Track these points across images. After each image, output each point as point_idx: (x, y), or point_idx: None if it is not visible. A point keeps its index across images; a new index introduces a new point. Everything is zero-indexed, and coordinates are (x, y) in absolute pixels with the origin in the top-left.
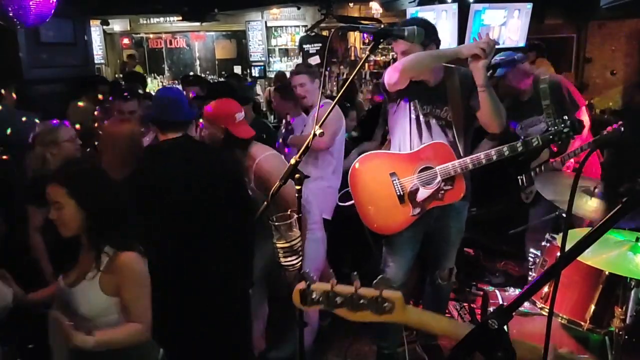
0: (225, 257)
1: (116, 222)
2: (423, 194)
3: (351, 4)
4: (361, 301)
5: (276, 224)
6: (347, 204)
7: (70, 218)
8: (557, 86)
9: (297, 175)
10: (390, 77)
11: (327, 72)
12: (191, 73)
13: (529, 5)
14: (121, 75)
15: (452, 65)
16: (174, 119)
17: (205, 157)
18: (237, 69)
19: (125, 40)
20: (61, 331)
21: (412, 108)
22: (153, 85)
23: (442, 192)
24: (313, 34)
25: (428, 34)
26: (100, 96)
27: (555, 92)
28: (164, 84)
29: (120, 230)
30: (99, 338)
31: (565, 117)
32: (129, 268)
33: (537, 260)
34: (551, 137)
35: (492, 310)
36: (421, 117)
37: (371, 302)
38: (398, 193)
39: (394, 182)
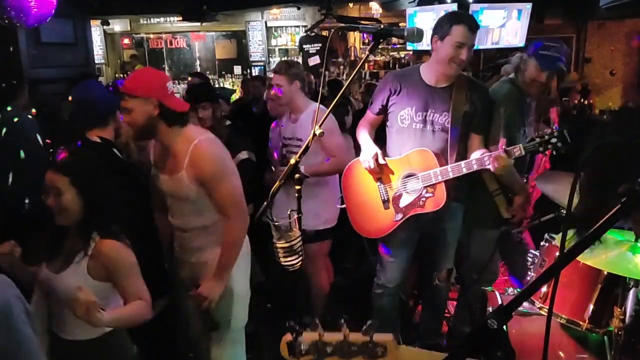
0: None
1: (107, 211)
2: (405, 200)
3: (351, 4)
4: (352, 348)
5: (276, 224)
6: (342, 206)
7: (69, 206)
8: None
9: (296, 176)
10: None
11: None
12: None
13: (529, 6)
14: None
15: (465, 74)
16: (91, 118)
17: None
18: (237, 69)
19: (126, 41)
20: (79, 307)
21: (407, 115)
22: None
23: (424, 199)
24: (313, 34)
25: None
26: None
27: None
28: None
29: (108, 218)
30: (109, 316)
31: (555, 126)
32: (113, 255)
33: (536, 260)
34: (535, 146)
35: (491, 310)
36: (415, 124)
37: (363, 348)
38: (383, 198)
39: (379, 187)
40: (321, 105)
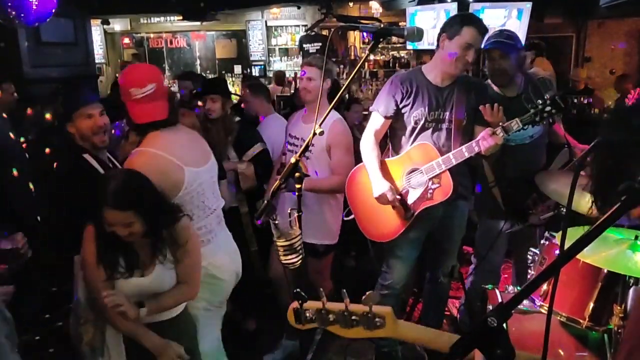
0: None
1: (164, 209)
2: (413, 196)
3: (351, 4)
4: (353, 317)
5: (276, 222)
6: (348, 218)
7: (140, 229)
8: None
9: (297, 174)
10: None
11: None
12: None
13: (529, 4)
14: None
15: (465, 74)
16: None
17: None
18: (238, 69)
19: (126, 40)
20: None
21: (420, 115)
22: None
23: (431, 191)
24: (313, 33)
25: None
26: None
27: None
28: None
29: (164, 213)
30: (149, 308)
31: (546, 96)
32: (188, 231)
33: (536, 258)
34: (532, 117)
35: (491, 308)
36: (427, 124)
37: (362, 318)
38: None
39: None
40: (335, 111)
